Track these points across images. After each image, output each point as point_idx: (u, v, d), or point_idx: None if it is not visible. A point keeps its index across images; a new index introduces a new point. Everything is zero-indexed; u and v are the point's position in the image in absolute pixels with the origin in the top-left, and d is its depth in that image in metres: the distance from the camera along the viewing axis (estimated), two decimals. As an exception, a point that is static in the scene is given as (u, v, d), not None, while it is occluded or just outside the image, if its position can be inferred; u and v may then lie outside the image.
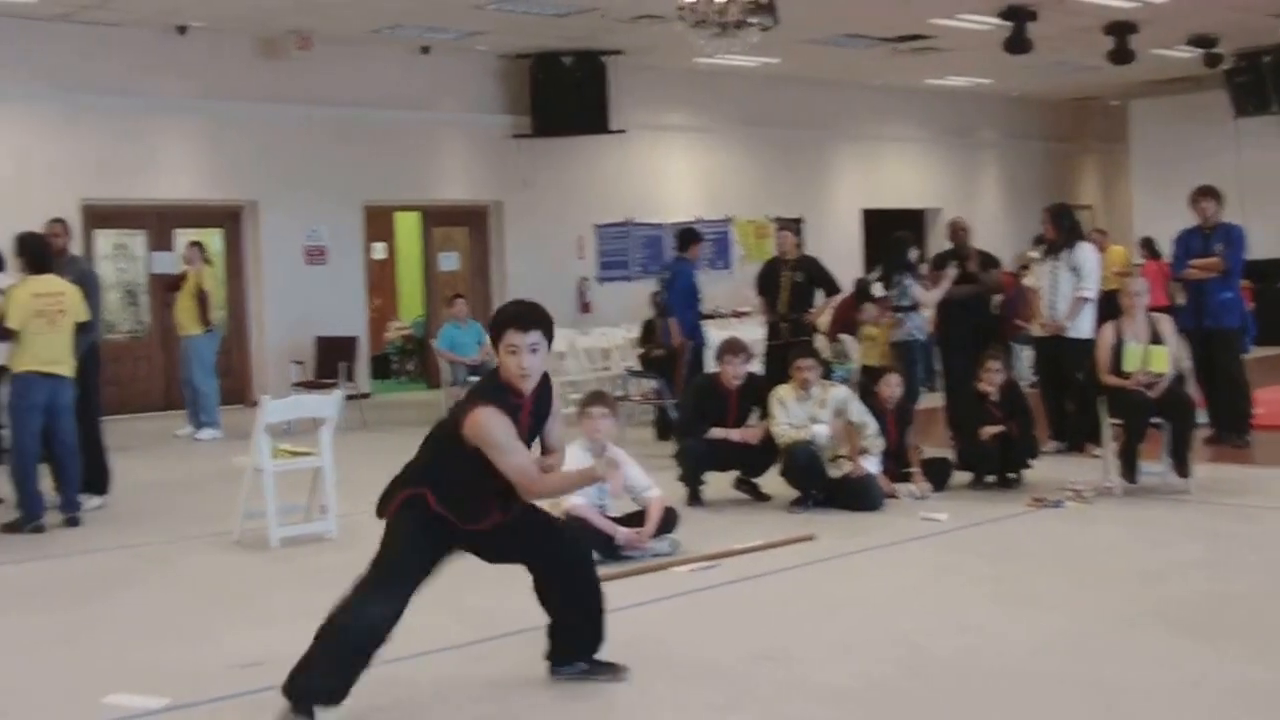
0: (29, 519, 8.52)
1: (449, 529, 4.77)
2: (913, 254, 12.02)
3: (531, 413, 4.82)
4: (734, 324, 16.28)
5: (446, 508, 4.74)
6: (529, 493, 4.77)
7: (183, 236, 15.80)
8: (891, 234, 12.42)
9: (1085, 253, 10.44)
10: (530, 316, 4.75)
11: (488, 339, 15.15)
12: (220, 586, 7.07)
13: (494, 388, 4.77)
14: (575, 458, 7.28)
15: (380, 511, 4.87)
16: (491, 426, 4.62)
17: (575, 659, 5.12)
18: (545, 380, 4.88)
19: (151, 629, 6.22)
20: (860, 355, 11.84)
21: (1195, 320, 10.55)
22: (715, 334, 13.13)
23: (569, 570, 5.06)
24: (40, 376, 8.59)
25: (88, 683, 5.35)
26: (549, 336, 4.78)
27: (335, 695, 4.61)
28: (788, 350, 10.08)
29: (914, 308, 11.37)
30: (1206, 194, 10.61)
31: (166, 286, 13.36)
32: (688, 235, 12.71)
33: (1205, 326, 10.47)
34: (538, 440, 4.99)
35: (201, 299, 13.27)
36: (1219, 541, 7.46)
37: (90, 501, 9.18)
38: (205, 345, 13.35)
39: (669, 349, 12.22)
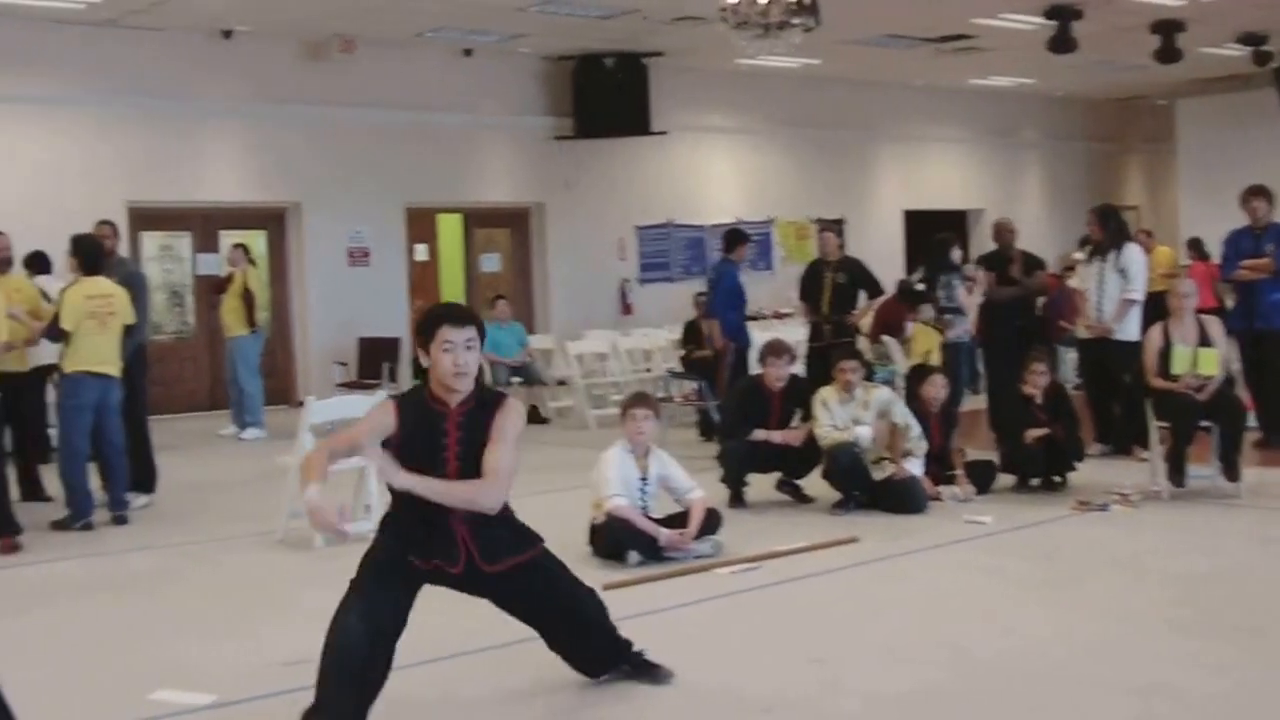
0: (78, 517, 8.61)
1: (418, 572, 4.65)
2: (956, 254, 11.90)
3: (459, 437, 4.59)
4: (776, 325, 16.27)
5: (405, 541, 4.61)
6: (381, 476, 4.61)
7: (228, 238, 15.93)
8: (933, 235, 12.36)
9: (1133, 254, 10.34)
10: (464, 313, 4.66)
11: (530, 340, 15.33)
12: (264, 585, 7.12)
13: (411, 395, 4.71)
14: (617, 459, 7.31)
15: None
16: (366, 416, 4.65)
17: (619, 662, 5.11)
18: (498, 400, 4.72)
19: (197, 626, 6.27)
20: (909, 355, 11.75)
21: (1246, 321, 10.46)
22: (758, 335, 13.11)
23: (569, 626, 4.97)
24: (91, 377, 8.69)
25: (135, 679, 5.40)
26: (482, 337, 4.66)
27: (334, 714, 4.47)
28: (830, 352, 10.05)
29: (957, 310, 11.31)
30: (1258, 194, 10.51)
31: (213, 288, 13.50)
32: (734, 236, 12.62)
33: (1256, 328, 10.39)
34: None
35: (247, 300, 13.37)
36: (1268, 546, 7.38)
37: (137, 500, 9.28)
38: (250, 346, 13.45)
39: (713, 350, 12.21)
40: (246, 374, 13.40)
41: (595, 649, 5.04)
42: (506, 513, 4.76)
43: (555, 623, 4.95)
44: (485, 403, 4.68)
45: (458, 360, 4.54)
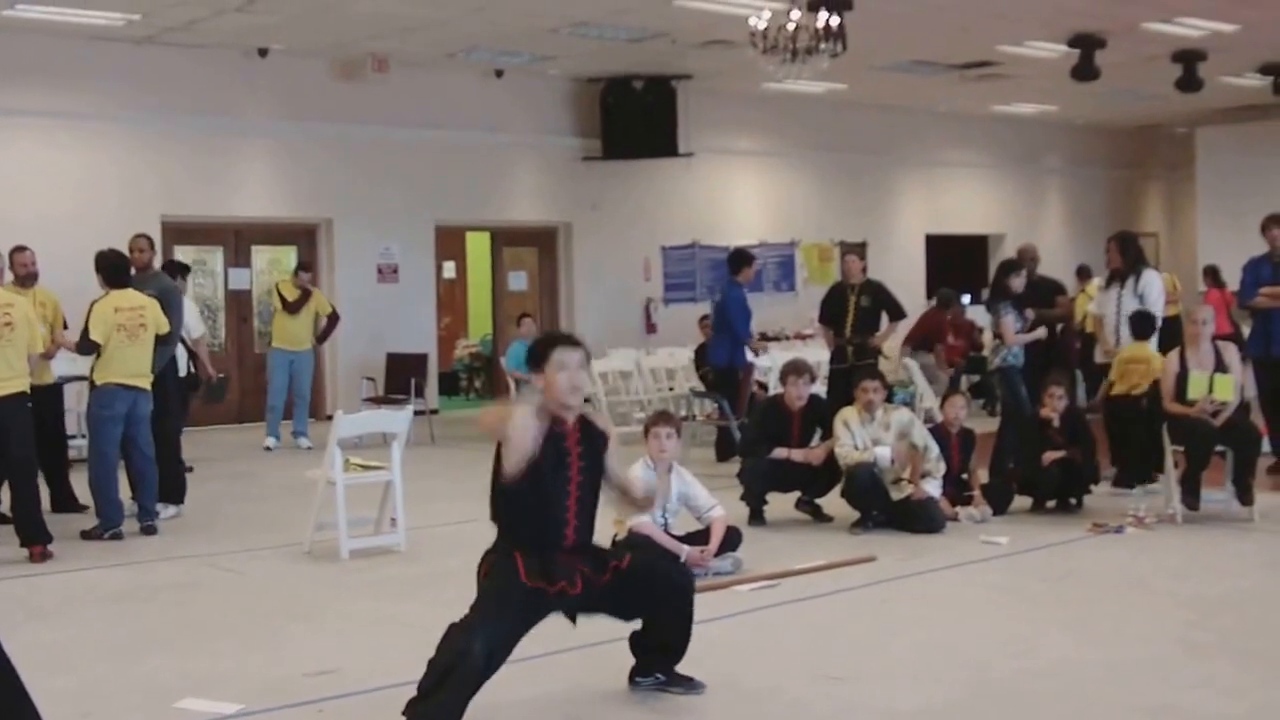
0: (108, 526, 8.72)
1: (544, 598, 4.80)
2: (1016, 283, 11.01)
3: (580, 453, 4.89)
4: (798, 346, 16.37)
5: (529, 570, 4.76)
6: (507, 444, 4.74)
7: (260, 253, 16.18)
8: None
9: (1151, 280, 10.43)
10: (573, 338, 4.97)
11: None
12: (291, 596, 7.19)
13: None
14: (637, 476, 7.40)
15: (478, 578, 4.92)
16: (510, 413, 4.74)
17: (654, 670, 5.23)
18: (598, 430, 5.00)
19: (224, 636, 6.32)
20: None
21: (1263, 348, 10.53)
22: (779, 355, 13.22)
23: (671, 606, 5.11)
24: (123, 388, 8.81)
25: (160, 687, 5.46)
26: (588, 362, 4.96)
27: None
28: (852, 373, 10.09)
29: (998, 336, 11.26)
30: (1277, 222, 10.58)
31: (288, 308, 13.66)
32: (739, 258, 12.69)
33: (1273, 354, 10.45)
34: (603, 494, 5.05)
35: (332, 319, 13.98)
36: (1281, 570, 7.47)
37: (166, 510, 9.38)
38: (312, 360, 14.07)
39: (718, 370, 12.32)
40: (308, 386, 13.95)
41: (689, 615, 5.13)
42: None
43: (664, 600, 5.08)
44: (588, 421, 4.99)
45: (573, 379, 4.83)
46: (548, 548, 4.84)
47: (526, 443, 4.69)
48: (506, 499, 4.88)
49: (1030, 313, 11.29)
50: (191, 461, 10.75)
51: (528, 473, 4.73)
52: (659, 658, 5.22)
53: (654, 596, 5.07)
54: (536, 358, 4.91)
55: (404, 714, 4.63)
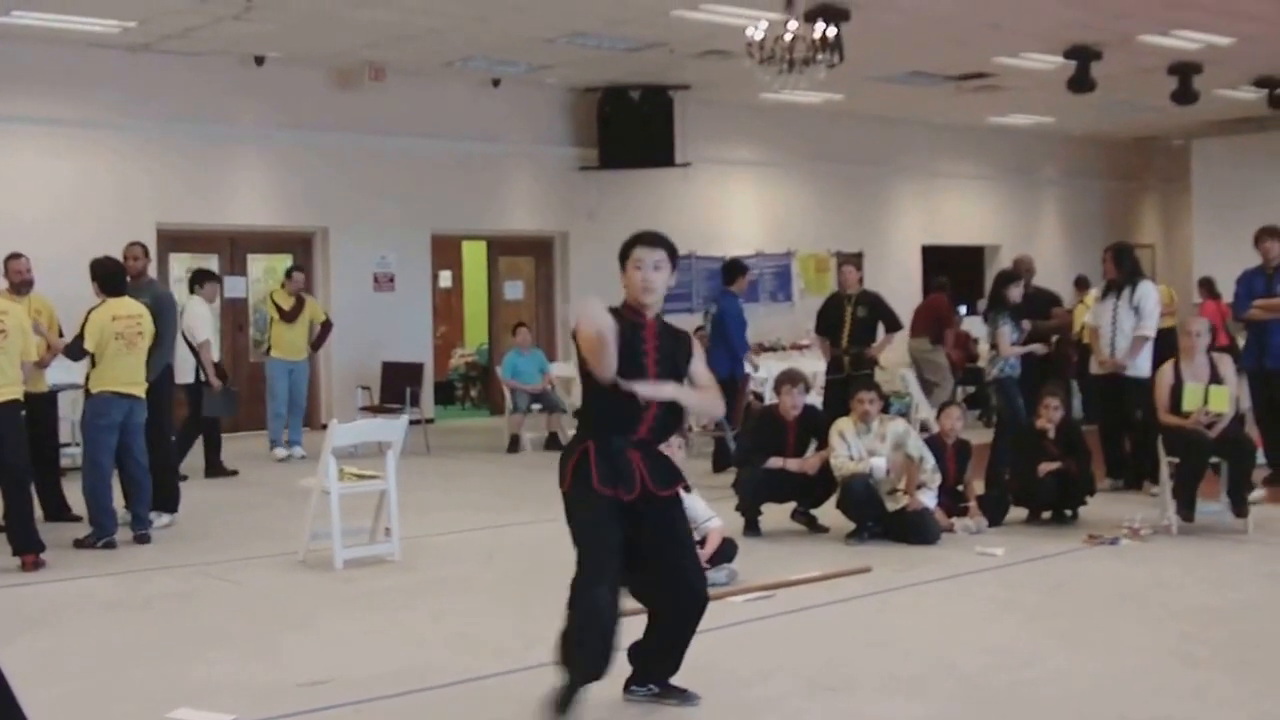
0: (101, 535, 8.69)
1: (609, 501, 4.89)
2: (1014, 293, 11.09)
3: (657, 345, 4.99)
4: (794, 356, 16.36)
5: (598, 466, 4.87)
6: (590, 352, 4.79)
7: (256, 261, 16.16)
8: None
9: (1146, 291, 10.45)
10: (658, 237, 5.05)
11: (550, 367, 15.43)
12: (285, 605, 7.18)
13: (612, 309, 4.94)
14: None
15: (560, 481, 5.02)
16: (588, 305, 4.76)
17: (649, 681, 5.24)
18: (680, 332, 5.13)
19: (217, 646, 6.31)
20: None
21: (1257, 360, 10.54)
22: (775, 365, 13.20)
23: (681, 610, 5.11)
24: (118, 397, 8.80)
25: (154, 697, 5.45)
26: (674, 262, 5.04)
27: (590, 675, 4.80)
28: (849, 384, 10.08)
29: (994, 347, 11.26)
30: (1271, 234, 10.61)
31: (285, 317, 13.61)
32: (734, 267, 12.68)
33: (1267, 367, 10.47)
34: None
35: (326, 326, 13.90)
36: (1275, 581, 7.47)
37: (160, 519, 9.37)
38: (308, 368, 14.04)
39: (719, 382, 12.26)
40: (304, 395, 14.05)
41: (694, 620, 5.12)
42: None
43: (677, 599, 5.08)
44: (670, 326, 5.11)
45: (647, 277, 4.96)
46: (619, 436, 4.93)
47: (608, 339, 4.71)
48: (591, 389, 4.96)
49: (1027, 324, 11.31)
50: (185, 470, 10.73)
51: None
52: (655, 668, 5.21)
53: (670, 590, 5.07)
54: (620, 260, 5.04)
55: (557, 665, 4.79)
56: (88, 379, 8.93)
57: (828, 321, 12.16)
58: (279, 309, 13.67)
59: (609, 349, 4.71)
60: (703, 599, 5.12)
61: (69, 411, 10.86)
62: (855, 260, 16.54)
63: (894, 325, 12.18)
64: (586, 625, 4.78)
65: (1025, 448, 9.33)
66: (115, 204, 14.41)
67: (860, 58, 13.78)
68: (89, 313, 8.90)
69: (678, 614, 5.11)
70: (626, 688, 5.26)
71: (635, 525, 4.95)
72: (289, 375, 13.68)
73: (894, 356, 15.09)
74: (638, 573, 5.03)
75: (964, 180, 22.62)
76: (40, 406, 9.39)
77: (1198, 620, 6.55)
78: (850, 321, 11.89)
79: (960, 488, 9.15)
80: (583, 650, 4.78)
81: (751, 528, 8.88)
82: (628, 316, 4.96)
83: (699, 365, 5.15)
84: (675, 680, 5.24)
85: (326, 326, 14.00)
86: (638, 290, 4.99)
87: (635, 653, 5.20)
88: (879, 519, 8.65)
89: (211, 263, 15.80)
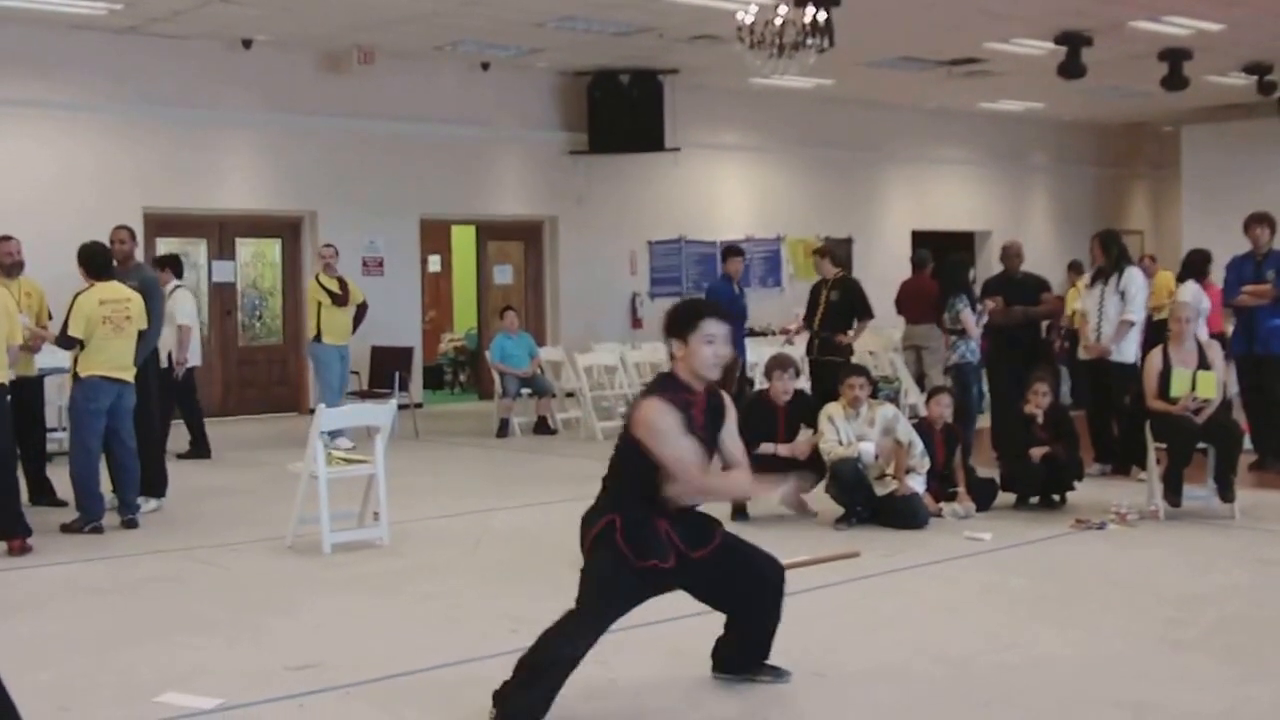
0: (88, 520, 8.66)
1: (640, 575, 4.80)
2: (971, 276, 11.77)
3: (705, 412, 4.89)
4: (783, 341, 16.35)
5: (627, 539, 4.76)
6: (688, 485, 4.75)
7: (244, 246, 16.10)
8: (948, 257, 12.37)
9: (1133, 277, 10.47)
10: (722, 309, 4.96)
11: (539, 351, 15.38)
12: (273, 590, 7.18)
13: (664, 382, 4.89)
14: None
15: (581, 544, 4.93)
16: (656, 414, 4.70)
17: (744, 671, 5.26)
18: (718, 392, 5.00)
19: (205, 630, 6.30)
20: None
21: (1246, 346, 10.57)
22: (766, 350, 13.21)
23: (760, 599, 5.13)
24: (107, 381, 8.76)
25: (141, 681, 5.44)
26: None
27: (534, 713, 4.67)
28: (819, 367, 10.07)
29: (962, 332, 11.36)
30: (1260, 221, 10.62)
31: (337, 300, 13.25)
32: (730, 251, 12.74)
33: (1255, 353, 10.49)
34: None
35: (363, 307, 13.43)
36: (1261, 566, 7.48)
37: (148, 504, 9.35)
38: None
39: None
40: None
41: (777, 616, 5.16)
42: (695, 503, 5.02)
43: (750, 597, 5.09)
44: (712, 391, 4.98)
45: (719, 352, 4.83)
46: (652, 510, 4.82)
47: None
48: (627, 460, 4.84)
49: (987, 303, 11.40)
50: (173, 453, 10.71)
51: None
52: (752, 656, 5.24)
53: (747, 590, 5.08)
54: (681, 325, 4.85)
55: (494, 700, 4.70)
56: (75, 363, 8.86)
57: (809, 305, 12.23)
58: (330, 294, 13.18)
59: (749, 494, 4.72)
60: (778, 584, 5.14)
61: (55, 396, 10.81)
62: (844, 245, 16.51)
63: (865, 314, 12.10)
64: (553, 669, 4.66)
65: (1014, 433, 9.35)
66: (102, 188, 14.35)
67: (850, 42, 13.76)
68: (75, 297, 8.81)
69: (763, 607, 5.13)
70: (715, 672, 5.29)
71: (683, 574, 4.91)
72: (340, 360, 13.26)
73: (881, 343, 15.11)
74: (713, 598, 5.08)
75: (954, 165, 22.63)
76: (27, 391, 9.36)
77: (1184, 605, 6.56)
78: (824, 305, 11.93)
79: (949, 472, 9.16)
80: (534, 690, 4.66)
81: (740, 512, 8.87)
82: (681, 395, 4.83)
83: (730, 430, 5.03)
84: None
85: (363, 307, 13.55)
86: (707, 366, 4.84)
87: (724, 642, 5.24)
88: (868, 504, 8.66)
89: (200, 247, 15.82)
